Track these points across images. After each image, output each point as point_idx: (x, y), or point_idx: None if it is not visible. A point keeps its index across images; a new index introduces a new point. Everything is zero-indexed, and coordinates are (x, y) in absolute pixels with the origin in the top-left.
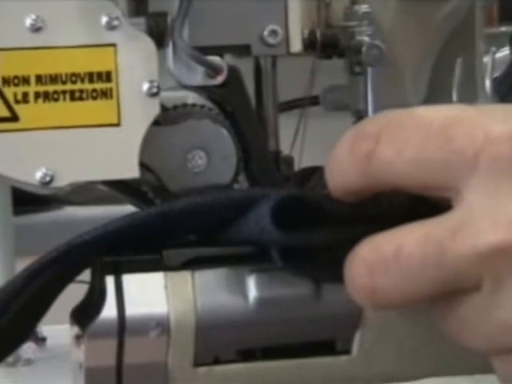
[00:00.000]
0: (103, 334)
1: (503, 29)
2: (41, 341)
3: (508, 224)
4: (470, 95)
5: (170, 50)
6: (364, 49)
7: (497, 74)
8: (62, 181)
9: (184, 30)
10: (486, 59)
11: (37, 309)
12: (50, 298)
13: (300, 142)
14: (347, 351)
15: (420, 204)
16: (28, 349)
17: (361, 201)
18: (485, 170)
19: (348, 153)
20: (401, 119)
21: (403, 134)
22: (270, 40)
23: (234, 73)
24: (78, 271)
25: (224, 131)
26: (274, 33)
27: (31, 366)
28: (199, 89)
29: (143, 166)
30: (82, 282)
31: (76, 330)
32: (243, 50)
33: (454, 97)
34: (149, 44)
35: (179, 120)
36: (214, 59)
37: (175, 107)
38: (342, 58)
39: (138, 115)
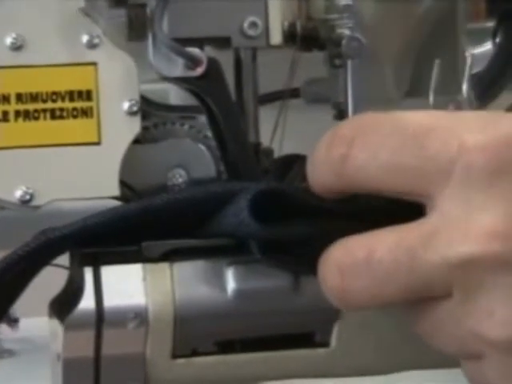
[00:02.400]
0: (81, 325)
1: (490, 24)
2: (13, 322)
3: (478, 236)
4: (451, 90)
5: (150, 41)
6: (344, 41)
7: (478, 69)
8: (42, 199)
9: (164, 21)
10: (467, 54)
11: (10, 295)
12: (23, 284)
13: (280, 134)
14: (326, 344)
15: (398, 206)
16: (2, 330)
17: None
18: (458, 179)
19: (325, 154)
20: (376, 123)
21: (377, 139)
22: (250, 32)
23: (213, 64)
24: (52, 260)
25: (204, 150)
26: (254, 25)
27: (13, 358)
28: (179, 80)
29: (124, 184)
30: (60, 266)
31: (54, 320)
32: (223, 42)
33: (431, 98)
34: (129, 62)
35: (160, 138)
36: (194, 51)
37: (155, 125)
38: (322, 51)
39: (119, 134)
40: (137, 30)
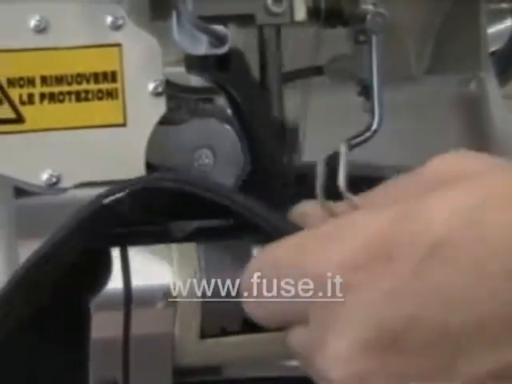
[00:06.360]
0: (110, 306)
1: (504, 5)
2: None
3: None
4: (473, 67)
5: (173, 20)
6: (368, 17)
7: (497, 47)
8: (68, 182)
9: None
10: (490, 31)
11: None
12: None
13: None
14: None
15: None
16: None
17: None
18: None
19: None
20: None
21: None
22: (274, 9)
23: (237, 56)
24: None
25: (229, 129)
26: (278, 1)
27: None
28: (203, 73)
29: (150, 165)
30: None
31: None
32: (247, 20)
33: None
34: (153, 43)
35: (185, 119)
36: (219, 28)
37: (180, 106)
38: (346, 27)
39: (144, 115)
40: (160, 9)
